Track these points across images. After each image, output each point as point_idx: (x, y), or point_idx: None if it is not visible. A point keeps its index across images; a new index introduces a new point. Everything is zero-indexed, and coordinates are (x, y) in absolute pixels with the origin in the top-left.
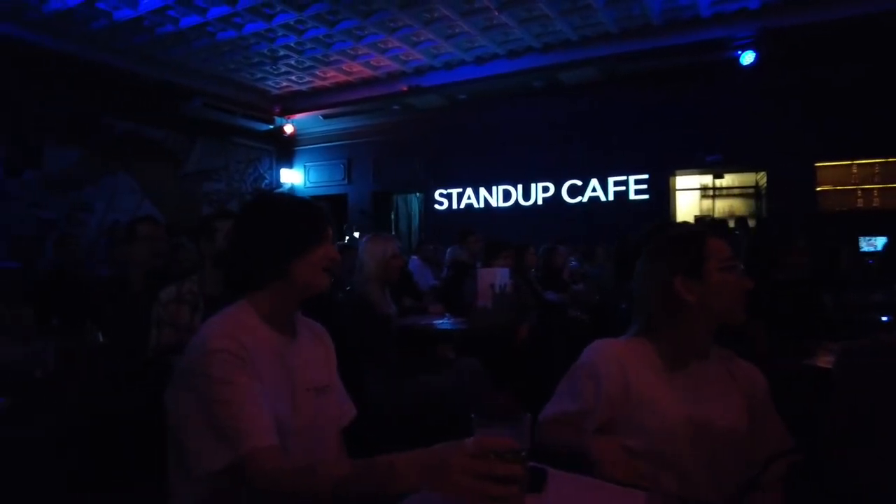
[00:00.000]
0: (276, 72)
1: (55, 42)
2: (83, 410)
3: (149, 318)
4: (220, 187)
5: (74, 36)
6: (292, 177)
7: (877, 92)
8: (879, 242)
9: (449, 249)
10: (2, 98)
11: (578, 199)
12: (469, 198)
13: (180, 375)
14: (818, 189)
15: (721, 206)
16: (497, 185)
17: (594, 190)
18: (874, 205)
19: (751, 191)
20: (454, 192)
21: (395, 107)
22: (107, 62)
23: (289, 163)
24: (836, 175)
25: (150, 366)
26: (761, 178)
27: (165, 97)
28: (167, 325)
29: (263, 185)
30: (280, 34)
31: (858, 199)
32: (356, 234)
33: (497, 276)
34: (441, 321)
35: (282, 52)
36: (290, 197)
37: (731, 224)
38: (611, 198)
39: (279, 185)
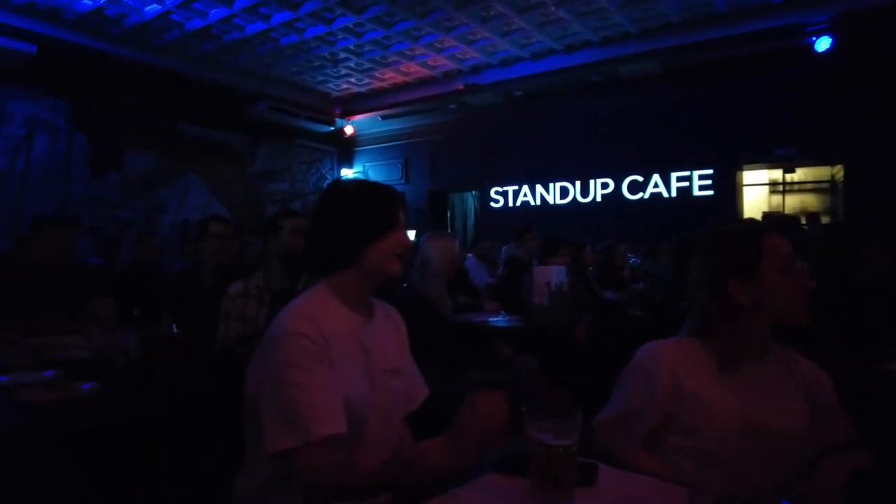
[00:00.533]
0: (336, 74)
1: (134, 53)
2: (164, 396)
3: (217, 312)
4: (283, 187)
5: (151, 47)
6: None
7: None
8: None
9: (505, 247)
10: (90, 105)
11: (639, 195)
12: (525, 195)
13: (259, 355)
14: None
15: (791, 202)
16: (554, 181)
17: (656, 186)
18: None
19: (825, 185)
20: (510, 189)
21: (452, 105)
22: (179, 70)
23: (349, 163)
24: None
25: (212, 362)
26: (837, 171)
27: (232, 102)
28: (234, 318)
29: (325, 186)
30: (340, 37)
31: None
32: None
33: (553, 274)
34: (496, 318)
35: (342, 55)
36: (364, 184)
37: (803, 221)
38: (673, 194)
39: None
